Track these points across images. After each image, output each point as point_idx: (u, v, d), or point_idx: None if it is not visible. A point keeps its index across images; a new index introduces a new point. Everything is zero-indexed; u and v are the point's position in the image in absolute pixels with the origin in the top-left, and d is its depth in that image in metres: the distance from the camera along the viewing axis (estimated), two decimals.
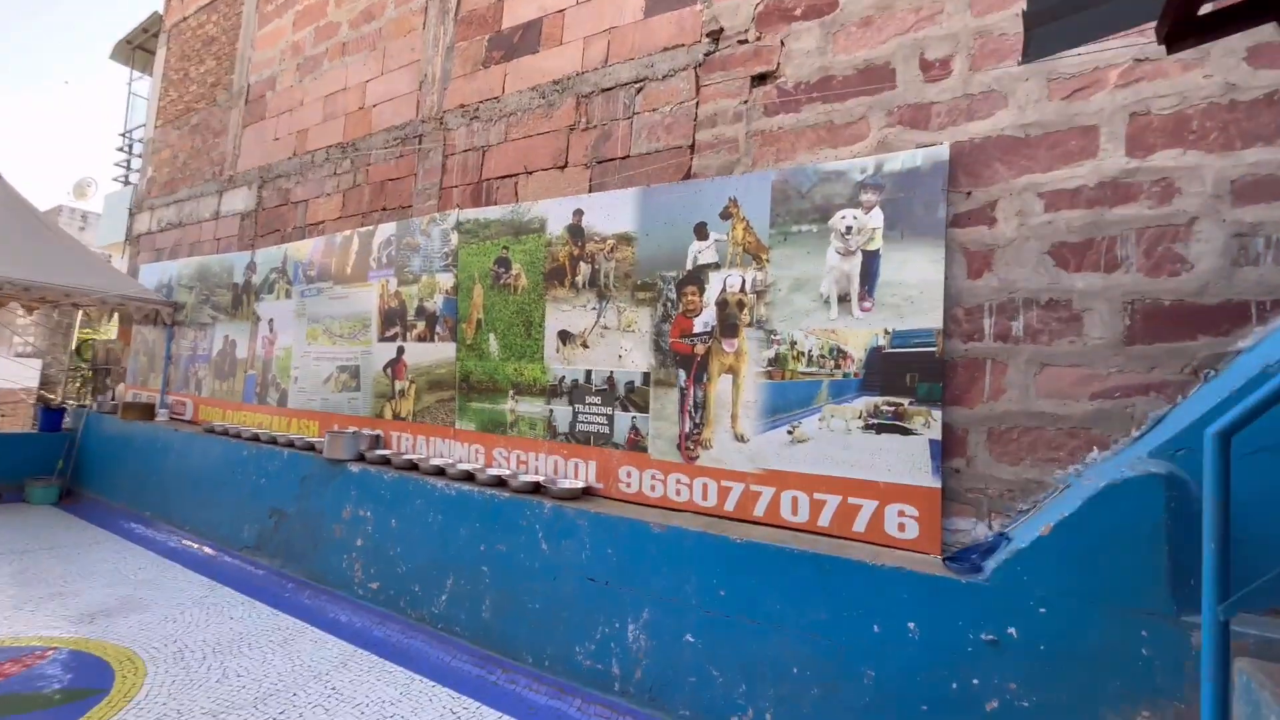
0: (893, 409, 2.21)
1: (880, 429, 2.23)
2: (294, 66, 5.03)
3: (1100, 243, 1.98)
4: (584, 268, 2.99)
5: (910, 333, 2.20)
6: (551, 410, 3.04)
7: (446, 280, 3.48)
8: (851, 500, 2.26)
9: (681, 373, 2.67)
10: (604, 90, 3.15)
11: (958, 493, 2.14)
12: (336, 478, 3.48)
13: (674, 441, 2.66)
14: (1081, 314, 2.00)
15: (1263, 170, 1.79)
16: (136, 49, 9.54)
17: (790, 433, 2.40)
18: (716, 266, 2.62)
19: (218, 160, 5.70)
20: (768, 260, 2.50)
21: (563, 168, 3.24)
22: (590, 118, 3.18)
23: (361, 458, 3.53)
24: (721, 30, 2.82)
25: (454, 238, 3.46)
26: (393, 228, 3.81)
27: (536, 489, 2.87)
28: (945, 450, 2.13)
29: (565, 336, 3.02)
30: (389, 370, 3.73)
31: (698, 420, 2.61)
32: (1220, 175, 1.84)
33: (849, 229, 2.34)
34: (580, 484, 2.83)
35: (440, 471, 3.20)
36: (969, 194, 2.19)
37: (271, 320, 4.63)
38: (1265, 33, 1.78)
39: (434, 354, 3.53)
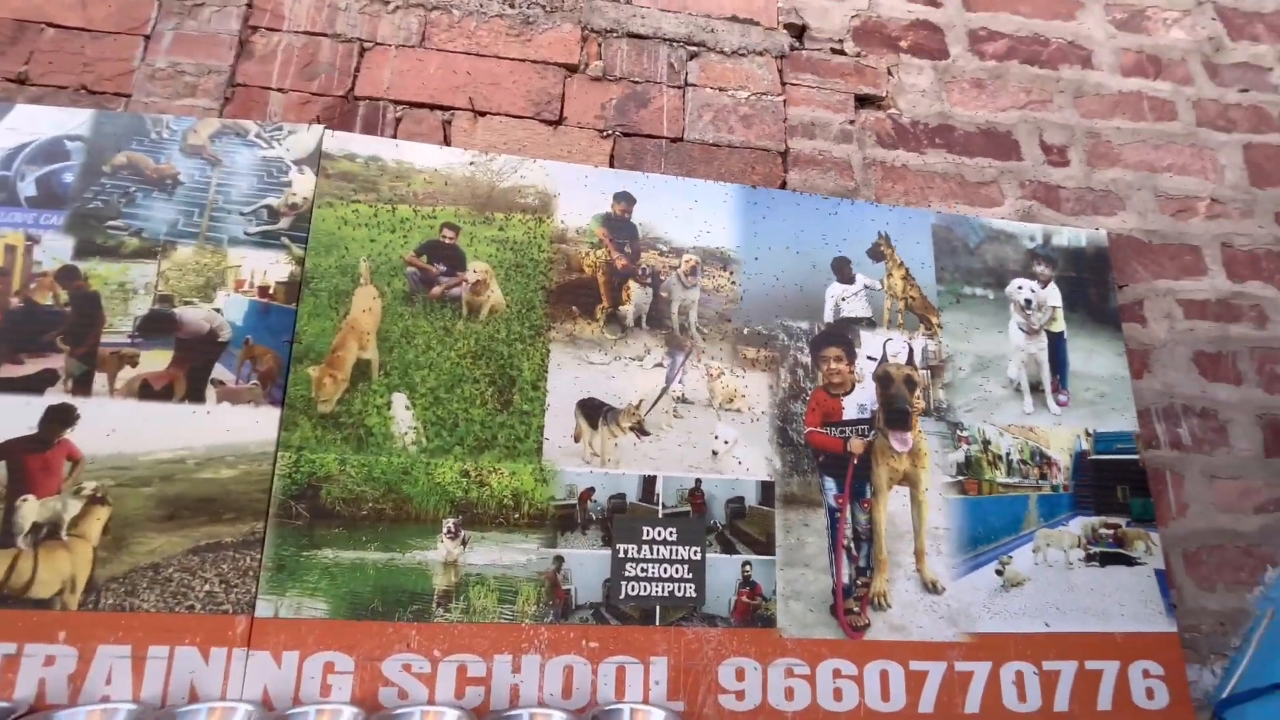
0: (1112, 532, 1.69)
1: (1104, 560, 1.66)
2: None
3: (1227, 356, 1.97)
4: (637, 292, 1.63)
5: (1112, 435, 1.76)
6: (560, 559, 1.45)
7: (268, 264, 1.48)
8: (1089, 665, 1.58)
9: (830, 483, 1.59)
10: (633, 36, 1.98)
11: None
12: None
13: (825, 601, 1.52)
14: (1226, 424, 1.91)
15: None
16: None
17: (1000, 573, 1.61)
18: (871, 324, 1.72)
19: None
20: (939, 326, 1.76)
21: (555, 123, 1.84)
22: (609, 63, 1.93)
23: None
24: (806, 28, 2.09)
25: (303, 181, 1.54)
26: (73, 119, 1.52)
27: None
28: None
29: (597, 411, 1.54)
30: (13, 468, 1.30)
31: (864, 562, 1.56)
32: None
33: (1028, 302, 1.82)
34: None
35: None
36: (1122, 288, 1.97)
37: None
38: None
39: (196, 429, 1.39)
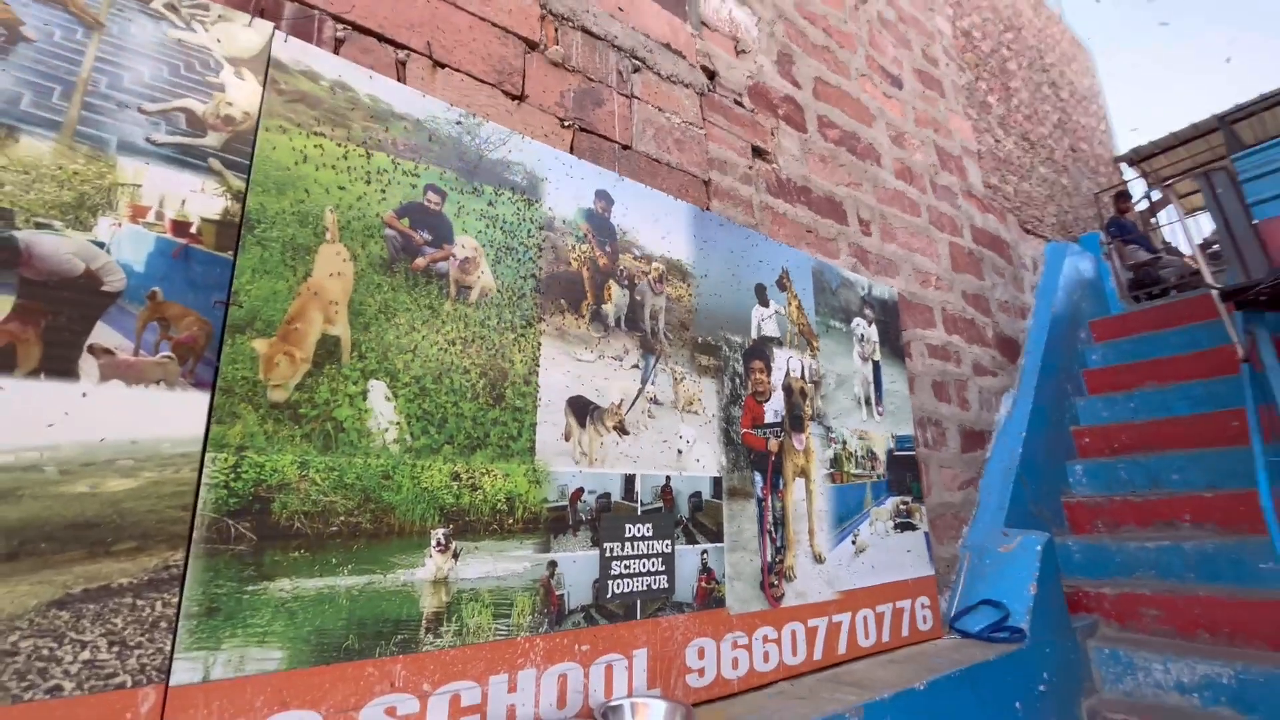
0: (905, 507, 2.33)
1: (902, 528, 2.29)
2: None
3: (945, 384, 2.88)
4: (617, 292, 1.63)
5: (903, 437, 2.43)
6: (553, 563, 1.36)
7: (187, 191, 1.02)
8: (898, 604, 2.16)
9: (758, 477, 1.84)
10: (586, 32, 1.95)
11: None
12: None
13: (756, 579, 1.75)
14: (945, 431, 2.80)
15: (985, 359, 3.15)
16: None
17: (854, 543, 2.08)
18: (779, 343, 2.04)
19: None
20: (817, 349, 2.18)
21: (518, 99, 1.70)
22: (567, 52, 1.87)
23: None
24: (716, 74, 2.37)
25: (242, 90, 1.11)
26: None
27: None
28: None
29: (584, 410, 1.49)
30: None
31: (779, 542, 1.85)
32: (974, 356, 3.10)
33: (863, 336, 2.39)
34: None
35: None
36: (902, 331, 2.71)
37: None
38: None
39: (60, 419, 0.89)
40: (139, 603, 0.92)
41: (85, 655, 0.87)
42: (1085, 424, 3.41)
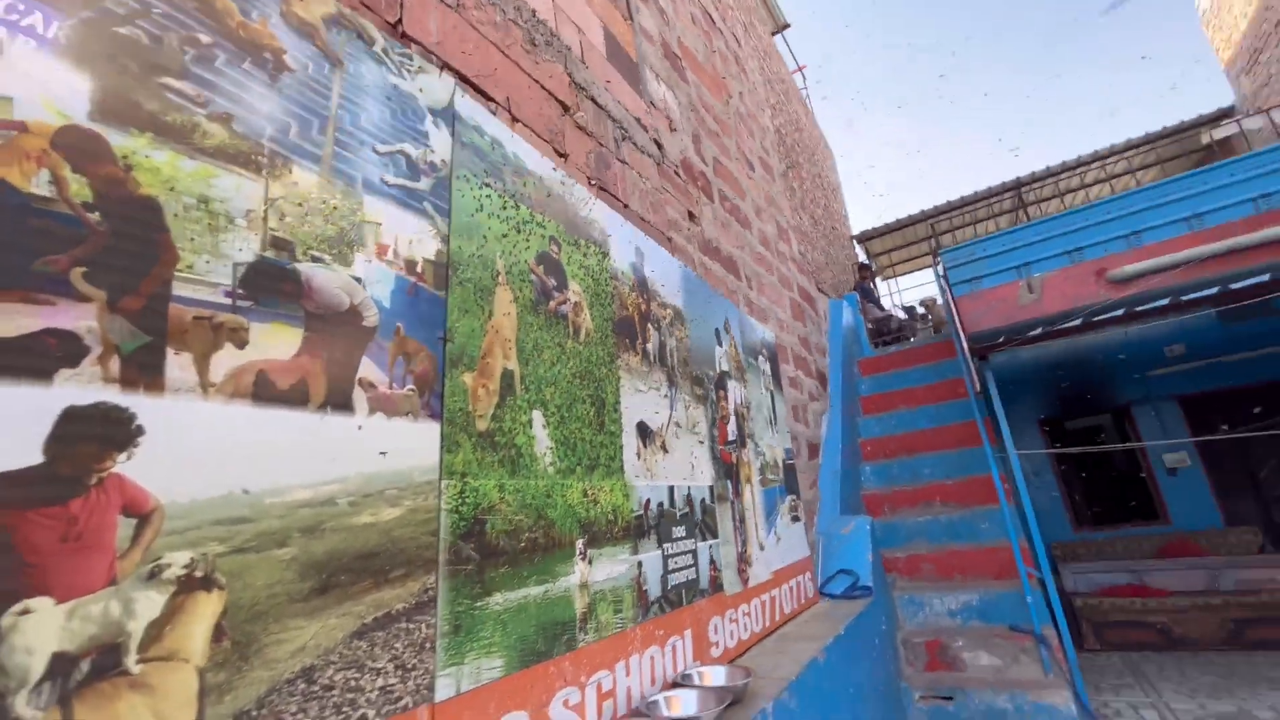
0: (794, 504, 3.01)
1: (794, 520, 2.95)
2: None
3: (799, 409, 3.71)
4: (653, 334, 1.92)
5: (788, 450, 3.12)
6: (640, 563, 1.60)
7: (413, 233, 1.05)
8: (797, 579, 2.80)
9: (729, 485, 2.28)
10: (594, 101, 2.23)
11: None
12: None
13: (735, 567, 2.18)
14: (802, 446, 3.61)
15: (813, 388, 4.08)
16: None
17: (775, 533, 2.65)
18: (730, 376, 2.53)
19: None
20: (746, 380, 2.73)
21: (564, 156, 1.91)
22: (586, 118, 2.12)
23: None
24: (663, 147, 2.82)
25: (440, 139, 1.16)
26: None
27: None
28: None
29: (645, 433, 1.75)
30: None
31: (744, 536, 2.31)
32: (809, 387, 4.01)
33: (764, 371, 3.03)
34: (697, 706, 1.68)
35: None
36: (781, 367, 3.43)
37: None
38: None
39: (346, 451, 0.88)
40: (410, 626, 0.97)
41: (380, 682, 0.91)
42: (866, 436, 4.61)
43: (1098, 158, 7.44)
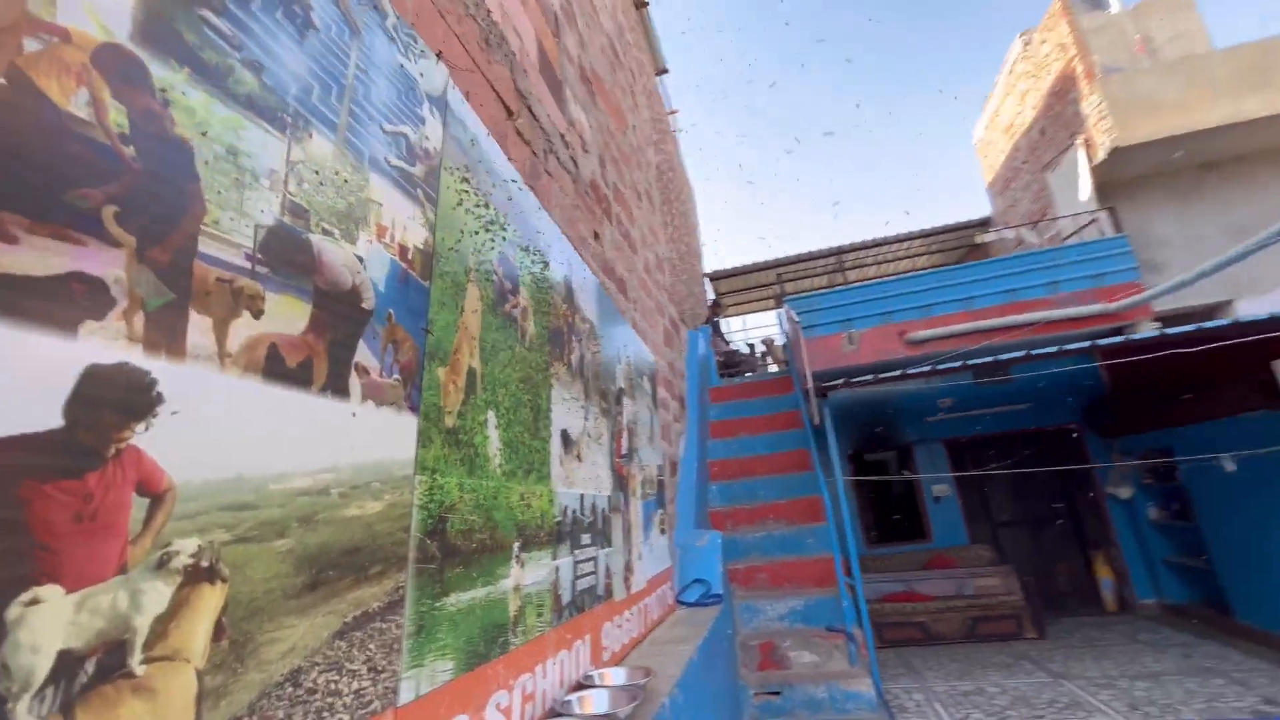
0: (662, 517, 3.22)
1: (662, 532, 3.16)
2: None
3: (667, 427, 3.97)
4: (575, 346, 1.98)
5: (660, 466, 3.34)
6: (558, 569, 1.64)
7: (407, 218, 1.00)
8: (663, 588, 2.99)
9: (622, 496, 2.40)
10: (530, 112, 2.25)
11: None
12: None
13: (623, 575, 2.30)
14: (666, 463, 3.86)
15: (675, 410, 4.39)
16: None
17: (649, 544, 2.82)
18: (624, 393, 2.66)
19: None
20: (635, 400, 2.88)
21: (509, 160, 1.92)
22: (524, 125, 2.14)
23: None
24: (578, 165, 2.93)
25: (434, 128, 1.12)
26: None
27: None
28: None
29: (567, 441, 1.80)
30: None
31: (630, 545, 2.43)
32: (673, 408, 4.31)
33: (647, 391, 3.23)
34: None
35: None
36: (658, 388, 3.65)
37: None
38: None
39: (341, 438, 0.82)
40: (383, 626, 0.95)
41: (355, 685, 0.88)
42: (713, 458, 5.05)
43: (899, 240, 9.11)
